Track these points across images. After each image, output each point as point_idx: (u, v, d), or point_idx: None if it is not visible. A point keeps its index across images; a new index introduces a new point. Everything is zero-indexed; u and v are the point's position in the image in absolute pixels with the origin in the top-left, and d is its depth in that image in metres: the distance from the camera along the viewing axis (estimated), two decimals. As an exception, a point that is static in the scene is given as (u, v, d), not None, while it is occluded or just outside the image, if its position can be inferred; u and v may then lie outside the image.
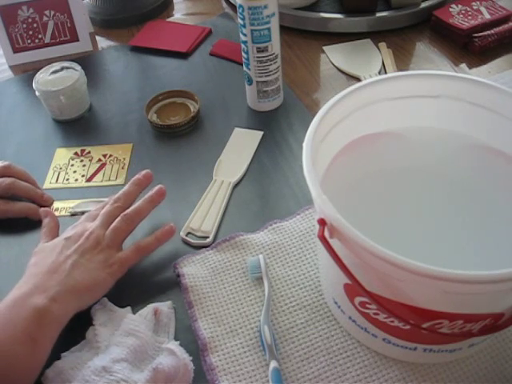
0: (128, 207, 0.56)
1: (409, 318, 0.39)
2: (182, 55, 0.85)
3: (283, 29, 0.77)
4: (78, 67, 0.74)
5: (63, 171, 0.69)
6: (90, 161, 0.70)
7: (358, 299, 0.43)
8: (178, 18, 0.96)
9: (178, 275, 0.55)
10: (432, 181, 0.50)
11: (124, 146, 0.71)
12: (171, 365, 0.45)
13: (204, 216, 0.60)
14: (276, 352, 0.47)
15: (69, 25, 0.87)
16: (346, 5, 0.84)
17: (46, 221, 0.57)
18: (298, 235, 0.57)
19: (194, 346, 0.49)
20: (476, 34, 0.79)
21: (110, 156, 0.70)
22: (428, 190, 0.49)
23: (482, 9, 0.83)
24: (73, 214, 0.63)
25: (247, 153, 0.68)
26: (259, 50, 0.67)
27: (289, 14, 0.85)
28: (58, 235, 0.56)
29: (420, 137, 0.51)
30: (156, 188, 0.58)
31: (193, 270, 0.55)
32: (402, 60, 0.81)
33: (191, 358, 0.47)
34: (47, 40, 0.87)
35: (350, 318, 0.46)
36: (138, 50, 0.88)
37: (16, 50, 0.87)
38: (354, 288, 0.41)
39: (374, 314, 0.42)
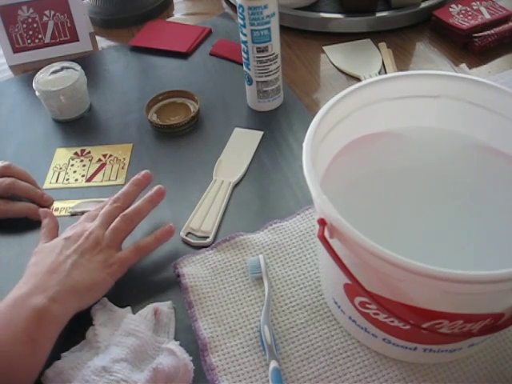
0: (127, 207, 0.56)
1: (409, 318, 0.39)
2: (182, 55, 0.85)
3: (283, 29, 0.76)
4: (78, 67, 0.75)
5: (63, 171, 0.69)
6: (90, 161, 0.70)
7: (357, 299, 0.43)
8: (178, 18, 0.96)
9: (178, 275, 0.55)
10: (432, 181, 0.50)
11: (124, 145, 0.71)
12: (171, 365, 0.45)
13: (204, 216, 0.60)
14: (276, 352, 0.47)
15: (69, 25, 0.87)
16: (346, 5, 0.84)
17: (45, 221, 0.57)
18: (298, 235, 0.57)
19: (194, 346, 0.49)
20: (476, 34, 0.79)
21: (110, 156, 0.70)
22: (428, 190, 0.49)
23: (482, 9, 0.83)
24: (73, 214, 0.63)
25: (247, 153, 0.68)
26: (259, 50, 0.67)
27: (289, 14, 0.85)
28: (57, 235, 0.56)
29: (420, 137, 0.51)
30: (155, 188, 0.58)
31: (193, 269, 0.55)
32: (402, 60, 0.81)
33: (191, 358, 0.47)
34: (47, 40, 0.87)
35: (350, 317, 0.46)
36: (138, 49, 0.88)
37: (16, 50, 0.87)
38: (354, 288, 0.41)
39: (374, 314, 0.42)
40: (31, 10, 0.85)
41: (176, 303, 0.53)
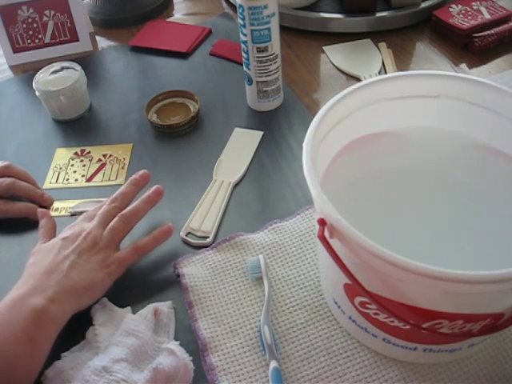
0: (125, 207, 0.56)
1: (409, 318, 0.39)
2: (182, 55, 0.85)
3: (283, 29, 0.77)
4: (78, 67, 0.75)
5: (63, 171, 0.69)
6: (90, 161, 0.70)
7: (358, 299, 0.43)
8: (178, 18, 0.96)
9: (178, 275, 0.55)
10: (432, 181, 0.50)
11: (124, 145, 0.71)
12: (171, 365, 0.45)
13: (204, 216, 0.60)
14: (276, 352, 0.47)
15: (69, 25, 0.87)
16: (346, 5, 0.84)
17: (42, 222, 0.57)
18: (298, 235, 0.57)
19: (194, 346, 0.49)
20: (476, 34, 0.79)
21: (110, 156, 0.70)
22: (428, 190, 0.49)
23: (482, 9, 0.83)
24: (73, 214, 0.63)
25: (247, 153, 0.68)
26: (259, 50, 0.67)
27: (289, 14, 0.85)
28: (55, 236, 0.56)
29: (420, 137, 0.51)
30: (153, 188, 0.58)
31: (193, 270, 0.55)
32: (402, 60, 0.81)
33: (191, 357, 0.47)
34: (47, 40, 0.87)
35: (350, 317, 0.46)
36: (138, 49, 0.88)
37: (16, 50, 0.87)
38: (354, 288, 0.41)
39: (374, 314, 0.42)
40: (31, 10, 0.85)
41: (176, 303, 0.53)
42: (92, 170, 0.68)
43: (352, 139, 0.50)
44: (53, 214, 0.62)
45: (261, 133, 0.70)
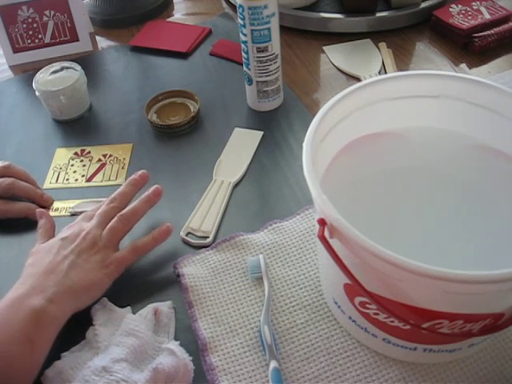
0: (124, 207, 0.56)
1: (409, 318, 0.39)
2: (182, 55, 0.85)
3: (283, 29, 0.76)
4: (78, 67, 0.75)
5: (63, 171, 0.69)
6: (90, 161, 0.70)
7: (358, 299, 0.43)
8: (178, 18, 0.96)
9: (178, 275, 0.55)
10: (432, 181, 0.50)
11: (124, 145, 0.71)
12: (171, 365, 0.45)
13: (204, 216, 0.60)
14: (276, 352, 0.47)
15: (69, 25, 0.87)
16: (346, 5, 0.84)
17: (41, 222, 0.57)
18: (298, 235, 0.57)
19: (194, 346, 0.49)
20: (476, 34, 0.79)
21: (110, 156, 0.70)
22: (428, 190, 0.49)
23: (482, 9, 0.83)
24: (73, 214, 0.63)
25: (247, 153, 0.68)
26: (259, 50, 0.67)
27: (289, 14, 0.85)
28: (54, 236, 0.55)
29: (420, 137, 0.51)
30: (152, 188, 0.58)
31: (193, 270, 0.55)
32: (402, 60, 0.81)
33: (191, 357, 0.47)
34: (47, 40, 0.87)
35: (350, 317, 0.46)
36: (138, 49, 0.88)
37: (16, 50, 0.87)
38: (354, 288, 0.41)
39: (374, 314, 0.42)
40: (31, 10, 0.85)
41: (176, 303, 0.53)
42: (92, 170, 0.68)
43: (352, 139, 0.50)
44: (53, 214, 0.62)
45: (261, 133, 0.70)
